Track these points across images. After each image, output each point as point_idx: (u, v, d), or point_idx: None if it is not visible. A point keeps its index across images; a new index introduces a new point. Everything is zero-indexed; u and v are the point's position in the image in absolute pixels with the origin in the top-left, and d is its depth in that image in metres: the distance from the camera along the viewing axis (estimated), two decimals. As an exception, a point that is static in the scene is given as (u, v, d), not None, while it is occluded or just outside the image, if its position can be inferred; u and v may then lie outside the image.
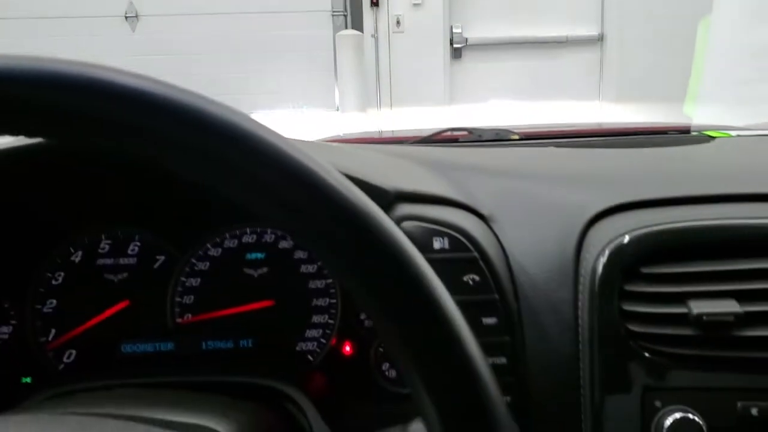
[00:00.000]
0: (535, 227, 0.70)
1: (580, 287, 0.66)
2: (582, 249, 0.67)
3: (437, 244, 0.64)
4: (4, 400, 0.79)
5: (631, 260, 0.64)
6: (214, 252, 0.82)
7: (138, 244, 0.82)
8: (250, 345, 0.82)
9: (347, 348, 0.82)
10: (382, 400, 0.79)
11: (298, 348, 0.82)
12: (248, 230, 0.82)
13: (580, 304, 0.65)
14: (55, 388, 0.72)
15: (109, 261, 0.82)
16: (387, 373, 0.80)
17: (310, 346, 0.82)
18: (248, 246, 0.82)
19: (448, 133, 1.33)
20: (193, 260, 0.82)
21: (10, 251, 0.80)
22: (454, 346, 0.35)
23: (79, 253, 0.82)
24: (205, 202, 0.81)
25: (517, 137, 1.28)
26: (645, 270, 0.64)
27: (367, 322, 0.82)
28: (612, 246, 0.65)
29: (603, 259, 0.65)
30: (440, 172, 0.77)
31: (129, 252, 0.82)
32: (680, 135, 1.18)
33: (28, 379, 0.80)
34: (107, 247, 0.82)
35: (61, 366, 0.80)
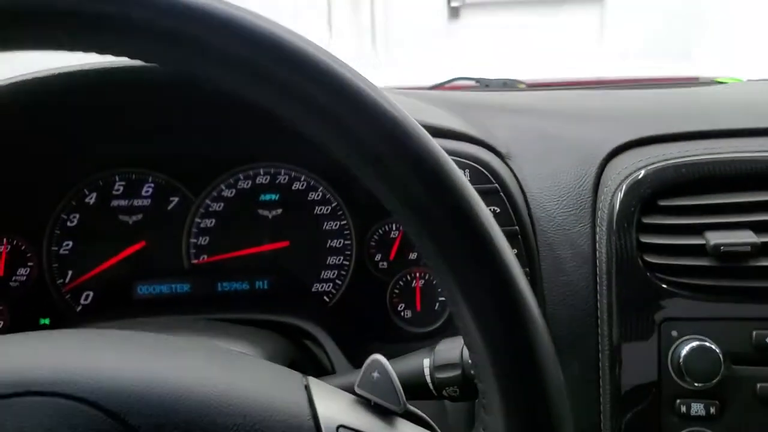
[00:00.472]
0: (551, 163, 0.70)
1: (598, 220, 0.66)
2: (600, 183, 0.68)
3: None
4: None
5: (648, 193, 0.65)
6: (227, 193, 0.82)
7: (151, 185, 0.82)
8: (265, 286, 0.82)
9: (362, 289, 0.82)
10: (398, 340, 0.80)
11: (314, 289, 0.82)
12: (261, 171, 0.82)
13: (597, 237, 0.66)
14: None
15: (123, 202, 0.82)
16: (403, 313, 0.81)
17: (326, 287, 0.82)
18: (262, 187, 0.82)
19: (457, 83, 1.32)
20: (208, 201, 0.82)
21: (25, 194, 0.80)
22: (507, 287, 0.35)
23: (94, 195, 0.82)
24: (216, 142, 0.80)
25: (523, 86, 1.28)
26: (662, 203, 0.65)
27: (381, 264, 0.82)
28: (630, 180, 0.66)
29: (620, 194, 0.65)
30: (456, 111, 0.77)
31: (143, 193, 0.82)
32: (690, 81, 1.18)
33: (47, 320, 0.81)
34: (121, 188, 0.82)
35: (79, 307, 0.81)
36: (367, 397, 0.39)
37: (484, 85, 1.30)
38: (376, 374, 0.40)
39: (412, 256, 0.82)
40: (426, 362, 0.52)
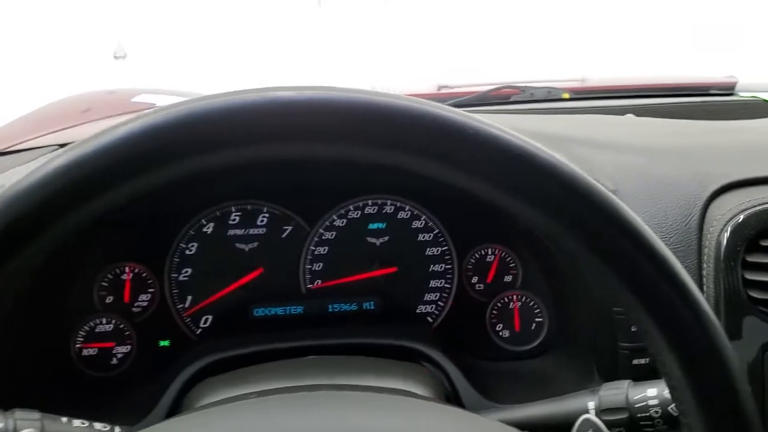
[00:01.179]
0: (658, 202, 0.77)
1: (705, 257, 0.73)
2: (704, 223, 0.74)
3: None
4: (144, 363, 0.85)
5: (752, 234, 0.72)
6: (339, 222, 0.87)
7: (266, 215, 0.87)
8: (372, 307, 0.88)
9: (463, 311, 0.88)
10: (499, 359, 0.87)
11: (418, 311, 0.88)
12: (369, 202, 0.88)
13: (704, 273, 0.73)
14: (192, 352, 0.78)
15: (239, 231, 0.86)
16: (501, 333, 0.88)
17: (430, 308, 0.88)
18: (370, 216, 0.88)
19: (501, 90, 1.37)
20: (321, 230, 0.87)
21: (147, 225, 0.84)
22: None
23: (211, 225, 0.86)
24: (327, 175, 0.85)
25: (567, 95, 1.34)
26: (764, 243, 0.72)
27: (478, 286, 0.89)
28: (734, 222, 0.72)
29: (726, 234, 0.72)
30: (560, 146, 0.83)
31: (258, 223, 0.87)
32: (741, 102, 1.25)
33: (167, 342, 0.86)
34: (237, 218, 0.86)
35: (198, 330, 0.86)
36: None
37: (529, 94, 1.35)
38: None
39: (508, 278, 0.89)
40: (591, 405, 0.58)
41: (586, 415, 0.47)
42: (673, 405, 0.56)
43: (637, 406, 0.56)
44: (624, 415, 0.57)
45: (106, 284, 0.84)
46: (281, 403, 0.49)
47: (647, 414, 0.56)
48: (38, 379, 0.79)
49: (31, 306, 0.77)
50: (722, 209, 0.74)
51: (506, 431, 0.46)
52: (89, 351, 0.83)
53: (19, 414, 0.51)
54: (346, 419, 0.45)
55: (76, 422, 0.57)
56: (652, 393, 0.57)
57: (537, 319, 0.87)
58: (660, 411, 0.56)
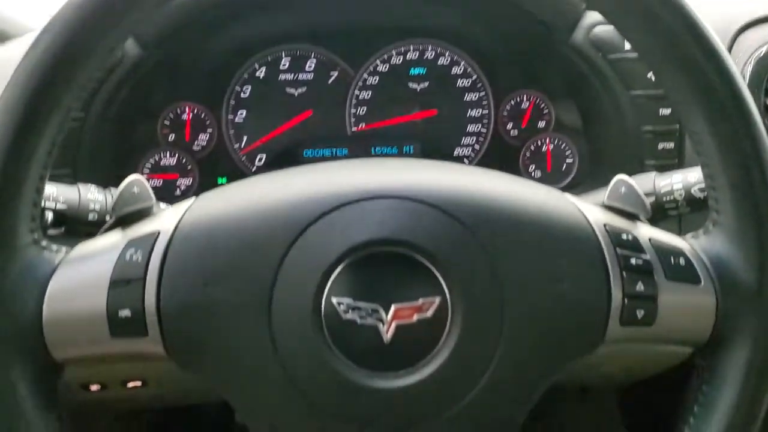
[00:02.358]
0: None
1: None
2: (731, 53, 0.79)
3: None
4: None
5: None
6: (382, 68, 0.93)
7: (314, 60, 0.92)
8: (412, 151, 0.94)
9: (497, 154, 0.94)
10: None
11: (455, 153, 0.94)
12: (411, 47, 0.93)
13: None
14: None
15: (289, 76, 0.92)
16: (533, 174, 0.94)
17: (466, 151, 0.94)
18: (411, 62, 0.93)
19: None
20: (365, 75, 0.93)
21: (205, 66, 0.91)
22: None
23: (263, 69, 0.92)
24: (372, 20, 0.91)
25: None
26: None
27: (513, 131, 0.94)
28: (757, 54, 0.77)
29: (750, 66, 0.76)
30: None
31: (306, 68, 0.92)
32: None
33: (224, 179, 0.93)
34: (287, 63, 0.92)
35: (253, 168, 0.93)
36: (618, 206, 0.52)
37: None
38: (623, 189, 0.52)
39: (541, 124, 0.94)
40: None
41: (620, 175, 0.52)
42: (696, 187, 0.62)
43: (663, 191, 0.63)
44: (651, 200, 0.63)
45: (168, 123, 0.91)
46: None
47: (672, 197, 0.62)
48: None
49: (103, 137, 0.84)
50: (747, 44, 0.78)
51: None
52: (155, 182, 0.91)
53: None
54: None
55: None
56: (678, 178, 0.63)
57: (567, 160, 0.93)
58: (684, 193, 0.62)
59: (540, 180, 0.94)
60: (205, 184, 0.92)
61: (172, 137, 0.92)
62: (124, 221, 0.50)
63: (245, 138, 0.93)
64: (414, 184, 0.48)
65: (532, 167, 0.94)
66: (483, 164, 0.94)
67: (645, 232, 0.50)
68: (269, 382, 0.46)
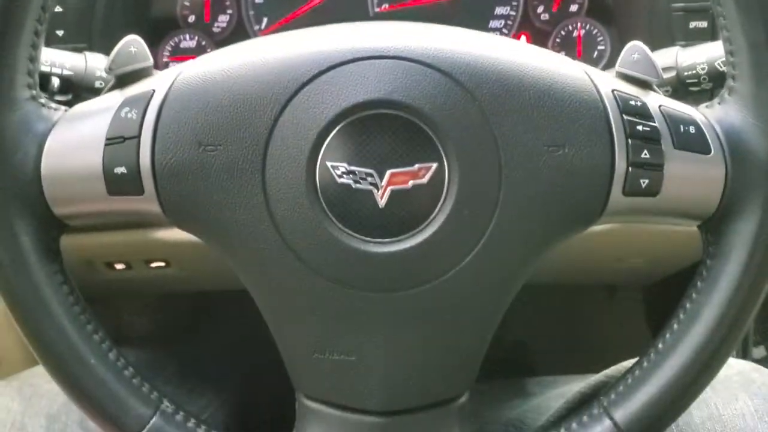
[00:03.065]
0: None
1: None
2: None
3: None
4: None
5: None
6: None
7: None
8: None
9: (526, 38, 0.91)
10: None
11: (483, 37, 0.91)
12: (437, -75, 0.88)
13: None
14: None
15: None
16: (562, 59, 0.90)
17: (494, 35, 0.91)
18: None
19: None
20: (389, -48, 0.89)
21: None
22: None
23: (282, -53, 0.89)
24: None
25: None
26: None
27: (543, 15, 0.90)
28: None
29: None
30: None
31: None
32: None
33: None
34: (308, -59, 0.89)
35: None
36: (629, 73, 0.49)
37: None
38: (636, 55, 0.49)
39: (573, 7, 0.89)
40: None
41: (634, 42, 0.49)
42: (719, 61, 0.58)
43: (685, 65, 0.59)
44: (672, 74, 0.60)
45: (188, 3, 0.90)
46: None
47: (694, 71, 0.59)
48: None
49: (118, 16, 0.83)
50: None
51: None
52: (175, 65, 0.90)
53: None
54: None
55: None
56: (701, 51, 0.59)
57: (599, 47, 0.89)
58: (706, 68, 0.59)
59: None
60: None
61: (191, 18, 0.90)
62: (123, 81, 0.50)
63: (265, 20, 0.91)
64: (412, 44, 0.46)
65: (562, 54, 0.90)
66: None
67: (656, 99, 0.48)
68: (263, 243, 0.46)
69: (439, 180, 0.45)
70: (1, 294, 0.48)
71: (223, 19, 0.91)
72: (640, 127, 0.46)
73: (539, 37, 0.90)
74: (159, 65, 0.90)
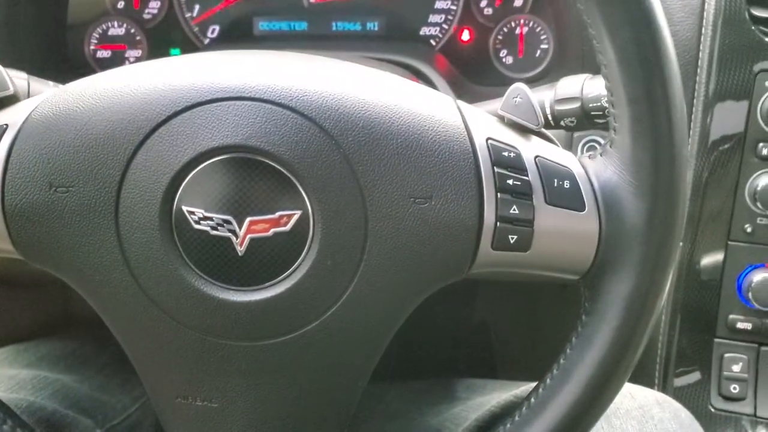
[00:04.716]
0: None
1: None
2: None
3: None
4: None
5: None
6: None
7: None
8: (375, 28, 0.88)
9: (467, 35, 0.87)
10: (498, 84, 0.87)
11: (421, 32, 0.88)
12: None
13: None
14: None
15: None
16: (504, 59, 0.87)
17: (433, 31, 0.87)
18: None
19: None
20: (324, -58, 0.85)
21: None
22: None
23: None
24: None
25: None
26: None
27: (486, 10, 0.86)
28: None
29: None
30: None
31: None
32: None
33: (177, 51, 0.89)
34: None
35: (206, 40, 0.88)
36: (509, 117, 0.47)
37: None
38: (518, 99, 0.47)
39: (517, 3, 0.86)
40: (547, 95, 0.59)
41: (517, 84, 0.47)
42: None
43: (590, 96, 0.57)
44: (576, 105, 0.57)
45: (116, -12, 0.86)
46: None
47: (598, 104, 0.56)
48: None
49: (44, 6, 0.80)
50: None
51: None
52: (103, 53, 0.87)
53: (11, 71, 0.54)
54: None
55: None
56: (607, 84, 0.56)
57: (542, 46, 0.86)
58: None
59: (511, 67, 0.87)
60: (155, 55, 0.88)
61: (121, 4, 0.87)
62: None
63: (197, 7, 0.88)
64: (276, 83, 0.44)
65: (503, 52, 0.87)
66: (450, 47, 0.88)
67: (534, 149, 0.45)
68: (119, 288, 0.44)
69: (302, 228, 0.43)
70: None
71: (154, 6, 0.88)
72: (510, 181, 0.43)
73: (481, 33, 0.87)
74: (86, 54, 0.87)
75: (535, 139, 0.46)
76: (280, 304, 0.44)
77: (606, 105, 0.56)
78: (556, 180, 0.44)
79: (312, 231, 0.43)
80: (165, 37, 0.88)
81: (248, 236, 0.43)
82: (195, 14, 0.88)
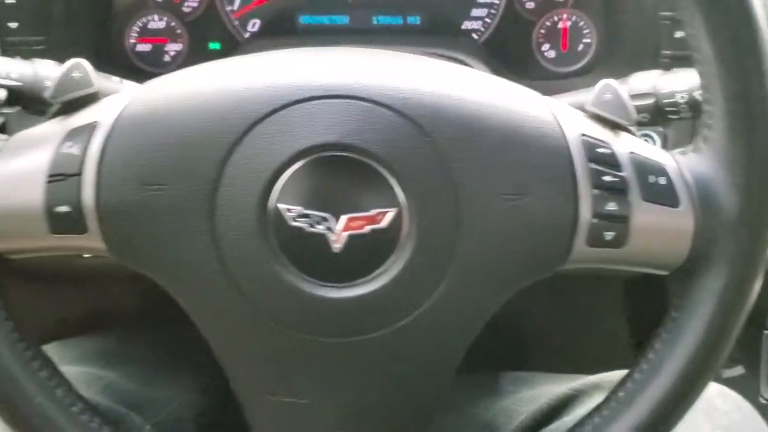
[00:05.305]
0: None
1: None
2: None
3: None
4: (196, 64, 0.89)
5: None
6: None
7: None
8: (417, 22, 0.87)
9: (510, 29, 0.87)
10: (541, 78, 0.87)
11: (463, 27, 0.87)
12: None
13: None
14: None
15: None
16: (547, 53, 0.87)
17: (476, 25, 0.87)
18: None
19: None
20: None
21: None
22: None
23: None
24: None
25: None
26: None
27: (528, 4, 0.86)
28: None
29: None
30: None
31: None
32: None
33: (216, 45, 0.88)
34: None
35: (247, 34, 0.88)
36: (602, 114, 0.47)
37: None
38: (608, 95, 0.47)
39: (561, -3, 0.86)
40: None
41: (607, 80, 0.47)
42: (699, 92, 0.56)
43: (664, 92, 0.57)
44: (650, 101, 0.57)
45: (156, -19, 0.86)
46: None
47: (673, 100, 0.56)
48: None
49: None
50: None
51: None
52: (143, 47, 0.86)
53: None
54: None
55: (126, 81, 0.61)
56: (681, 79, 0.57)
57: (585, 40, 0.86)
58: (686, 97, 0.56)
59: (554, 61, 0.87)
60: (195, 49, 0.88)
61: (161, -3, 0.86)
62: (67, 108, 0.47)
63: (238, 1, 0.87)
64: (370, 81, 0.44)
65: (546, 46, 0.87)
66: (494, 40, 0.87)
67: (627, 145, 0.45)
68: (211, 286, 0.44)
69: (396, 226, 0.43)
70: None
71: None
72: (607, 177, 0.44)
73: (523, 27, 0.87)
74: (126, 47, 0.86)
75: (624, 135, 0.47)
76: (373, 301, 0.44)
77: (680, 101, 0.57)
78: (651, 176, 0.44)
79: (405, 228, 0.43)
80: (205, 31, 0.87)
81: (345, 233, 0.43)
82: (235, 8, 0.87)
